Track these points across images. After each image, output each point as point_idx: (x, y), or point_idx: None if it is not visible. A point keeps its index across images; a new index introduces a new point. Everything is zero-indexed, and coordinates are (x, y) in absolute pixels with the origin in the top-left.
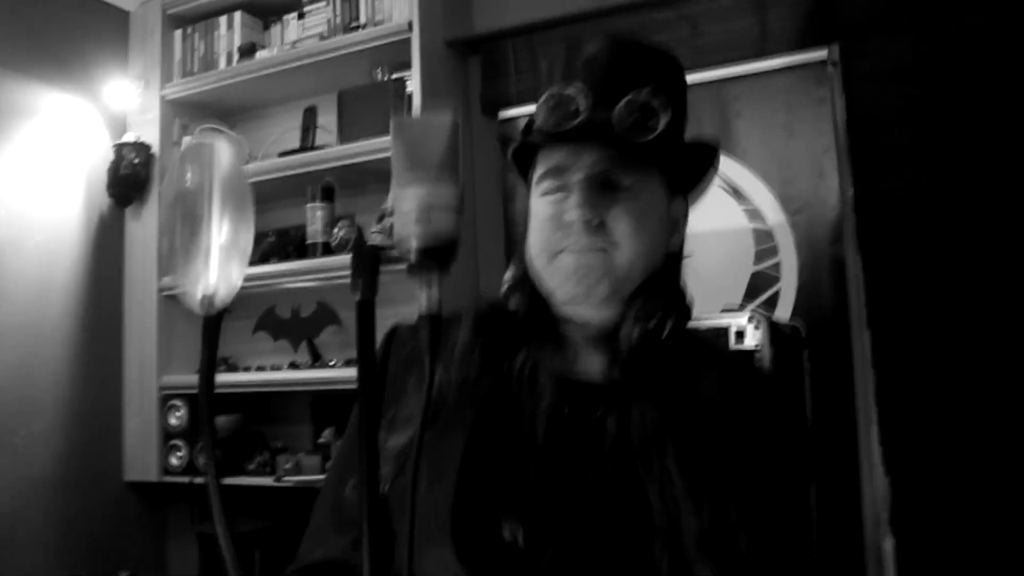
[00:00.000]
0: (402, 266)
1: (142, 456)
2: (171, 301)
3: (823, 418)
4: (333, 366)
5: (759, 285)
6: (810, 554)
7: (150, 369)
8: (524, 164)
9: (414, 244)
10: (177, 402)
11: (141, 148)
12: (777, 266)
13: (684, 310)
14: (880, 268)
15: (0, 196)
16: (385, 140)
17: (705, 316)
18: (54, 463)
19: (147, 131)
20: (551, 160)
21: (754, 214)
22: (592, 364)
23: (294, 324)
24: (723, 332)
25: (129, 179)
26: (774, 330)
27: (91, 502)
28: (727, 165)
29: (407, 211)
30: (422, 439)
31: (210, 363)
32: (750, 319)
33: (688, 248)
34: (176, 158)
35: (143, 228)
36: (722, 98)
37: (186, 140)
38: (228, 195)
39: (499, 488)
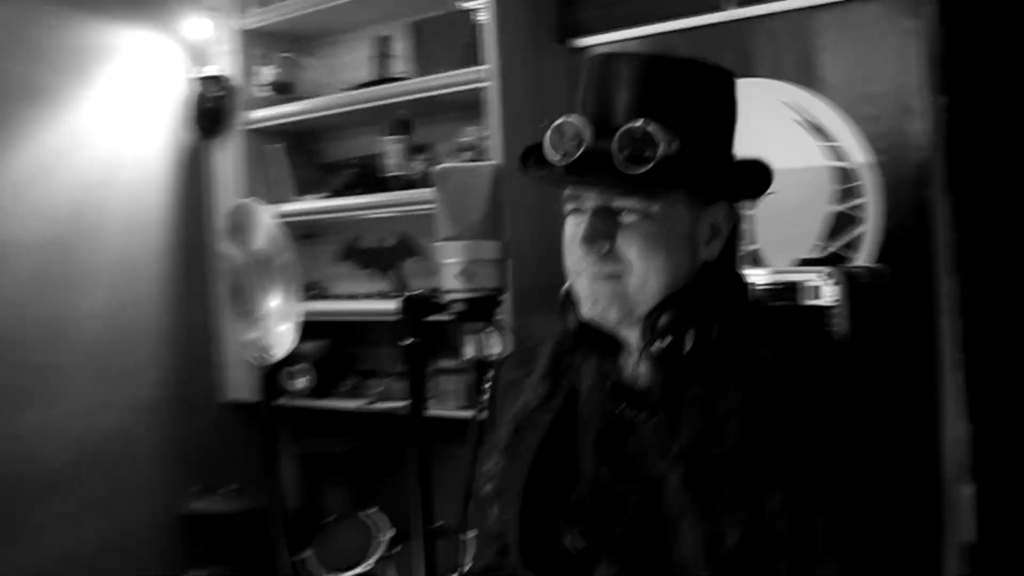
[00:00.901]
0: (449, 315)
1: (240, 379)
2: None
3: (904, 363)
4: None
5: (840, 226)
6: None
7: None
8: None
9: (458, 297)
10: None
11: (221, 80)
12: (860, 207)
13: (717, 318)
14: (970, 212)
15: (89, 137)
16: (462, 72)
17: (781, 270)
18: (158, 387)
19: (225, 63)
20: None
21: (836, 152)
22: (640, 369)
23: (378, 254)
24: (798, 288)
25: (211, 111)
26: (852, 283)
27: (196, 422)
28: (808, 101)
29: (450, 263)
30: (473, 465)
31: (270, 411)
32: (828, 275)
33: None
34: (224, 231)
35: (227, 158)
36: (805, 29)
37: (266, 70)
38: (272, 268)
39: (560, 502)
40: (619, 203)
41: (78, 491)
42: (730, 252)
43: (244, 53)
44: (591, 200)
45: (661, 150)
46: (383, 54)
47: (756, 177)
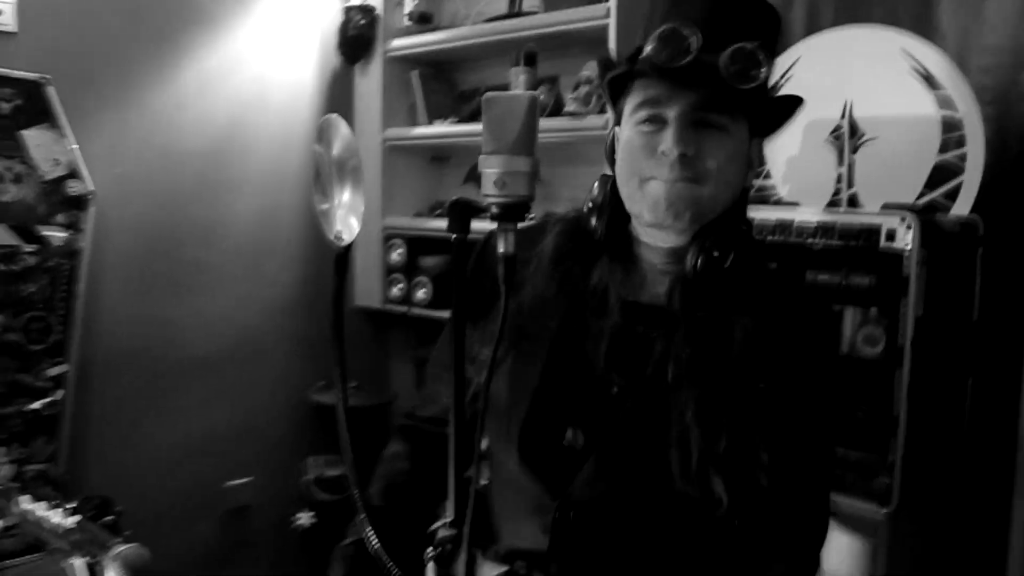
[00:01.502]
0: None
1: (368, 286)
2: (394, 150)
3: (993, 315)
4: (533, 220)
5: (941, 176)
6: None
7: (375, 211)
8: (616, 90)
9: (493, 202)
10: (397, 241)
11: (367, 10)
12: (962, 157)
13: (749, 244)
14: None
15: (246, 60)
16: (586, 9)
17: (860, 213)
18: (295, 290)
19: None
20: (649, 91)
21: (945, 101)
22: (658, 288)
23: None
24: (874, 232)
25: (357, 39)
26: (932, 230)
27: (325, 323)
28: (921, 49)
29: (489, 175)
30: (493, 363)
31: (340, 289)
32: (902, 219)
33: (873, 132)
34: (315, 135)
35: (369, 83)
36: None
37: (409, 0)
38: (346, 169)
39: (565, 401)
40: (709, 116)
41: (219, 377)
42: (748, 189)
43: None
44: (677, 107)
45: (764, 73)
46: None
47: (790, 114)
